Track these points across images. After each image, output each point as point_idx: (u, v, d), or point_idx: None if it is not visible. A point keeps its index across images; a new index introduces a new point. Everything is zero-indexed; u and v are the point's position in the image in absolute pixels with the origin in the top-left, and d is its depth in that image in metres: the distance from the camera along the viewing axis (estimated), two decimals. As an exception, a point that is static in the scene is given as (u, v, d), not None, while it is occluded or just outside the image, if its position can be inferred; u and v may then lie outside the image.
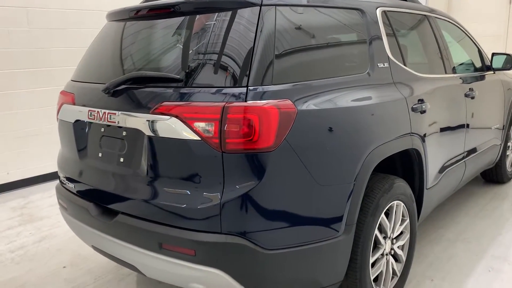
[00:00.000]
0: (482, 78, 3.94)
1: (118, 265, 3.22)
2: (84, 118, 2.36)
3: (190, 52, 2.10)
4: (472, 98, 3.56)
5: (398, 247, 2.67)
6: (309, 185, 2.02)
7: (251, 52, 1.95)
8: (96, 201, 2.34)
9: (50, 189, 4.99)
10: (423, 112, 2.76)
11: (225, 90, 1.91)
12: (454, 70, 3.49)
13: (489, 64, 4.14)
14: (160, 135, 2.01)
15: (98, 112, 2.25)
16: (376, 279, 2.51)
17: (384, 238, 2.52)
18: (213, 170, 1.92)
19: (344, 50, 2.48)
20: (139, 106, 2.11)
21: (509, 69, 4.06)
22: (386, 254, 2.56)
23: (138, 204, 2.13)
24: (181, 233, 1.98)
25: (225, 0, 2.08)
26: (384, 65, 2.59)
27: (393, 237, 2.61)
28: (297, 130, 1.95)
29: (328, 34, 2.38)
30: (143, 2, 2.66)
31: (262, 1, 2.04)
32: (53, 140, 5.20)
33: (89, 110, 2.31)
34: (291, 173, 1.96)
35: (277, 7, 2.09)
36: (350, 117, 2.21)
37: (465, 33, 4.00)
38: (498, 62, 4.11)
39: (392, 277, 2.67)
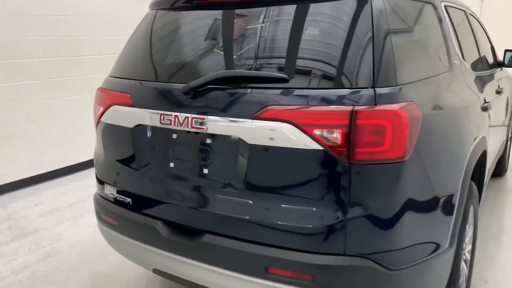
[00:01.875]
0: (498, 75, 3.97)
1: (150, 283, 2.89)
2: (153, 123, 2.01)
3: (294, 47, 1.83)
4: (500, 94, 3.56)
5: (467, 251, 2.58)
6: (430, 196, 1.85)
7: (371, 48, 1.72)
8: (169, 219, 2.01)
9: (31, 195, 4.45)
10: (487, 111, 2.68)
11: (349, 92, 1.67)
12: (488, 67, 3.47)
13: (501, 60, 4.18)
14: (267, 144, 1.74)
15: (176, 117, 1.92)
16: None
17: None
18: (336, 183, 1.68)
19: (435, 45, 2.31)
20: (235, 110, 1.81)
21: (523, 66, 4.10)
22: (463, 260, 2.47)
23: (234, 222, 1.84)
24: (295, 256, 1.73)
25: None
26: (457, 62, 2.46)
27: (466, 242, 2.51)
28: (423, 136, 1.76)
29: (423, 29, 2.20)
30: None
31: None
32: (31, 142, 4.67)
33: (161, 114, 1.96)
34: (417, 185, 1.77)
35: None
36: (456, 119, 2.07)
37: (484, 30, 3.99)
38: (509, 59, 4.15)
39: (462, 282, 2.58)
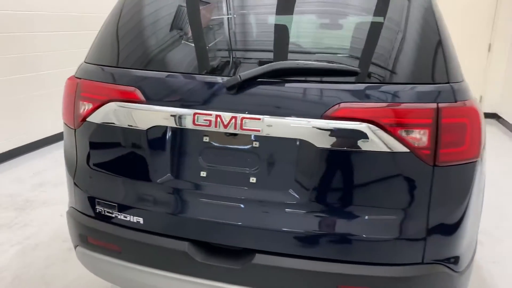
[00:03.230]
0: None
1: None
2: (182, 124, 1.62)
3: (366, 37, 1.63)
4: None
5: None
6: (482, 194, 1.82)
7: (437, 39, 1.61)
8: (204, 239, 1.67)
9: None
10: None
11: (430, 88, 1.53)
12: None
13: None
14: (342, 147, 1.51)
15: (218, 116, 1.56)
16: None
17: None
18: (417, 188, 1.54)
19: None
20: (298, 108, 1.54)
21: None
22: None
23: (295, 238, 1.59)
24: (371, 270, 1.56)
25: None
26: None
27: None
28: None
29: None
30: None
31: None
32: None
33: (195, 114, 1.59)
34: (480, 184, 1.72)
35: None
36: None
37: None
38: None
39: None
